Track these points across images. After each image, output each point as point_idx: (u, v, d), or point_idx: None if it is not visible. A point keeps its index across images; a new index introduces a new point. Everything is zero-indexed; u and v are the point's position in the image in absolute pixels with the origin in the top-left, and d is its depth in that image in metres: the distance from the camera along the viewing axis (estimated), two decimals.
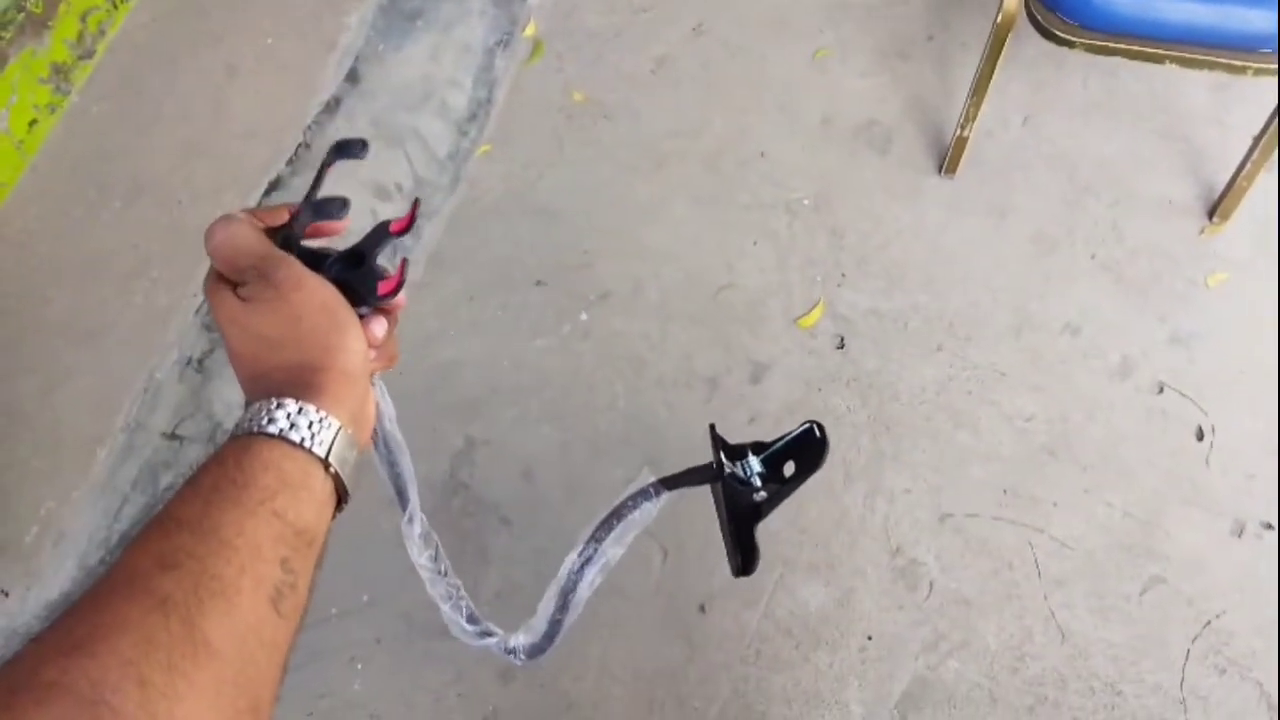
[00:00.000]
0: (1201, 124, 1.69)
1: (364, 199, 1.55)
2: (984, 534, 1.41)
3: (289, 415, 0.47)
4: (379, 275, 0.55)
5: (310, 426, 0.48)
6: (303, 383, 0.49)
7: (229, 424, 1.43)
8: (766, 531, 1.40)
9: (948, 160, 1.58)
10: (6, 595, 1.26)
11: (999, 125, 1.66)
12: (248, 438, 0.47)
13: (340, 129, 1.57)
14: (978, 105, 1.52)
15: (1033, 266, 1.57)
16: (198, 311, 1.43)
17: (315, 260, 0.55)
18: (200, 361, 1.44)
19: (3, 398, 1.36)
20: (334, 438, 0.48)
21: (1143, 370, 1.52)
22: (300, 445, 0.47)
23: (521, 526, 1.41)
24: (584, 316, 1.54)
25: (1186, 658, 1.36)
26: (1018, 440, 1.46)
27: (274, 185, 1.53)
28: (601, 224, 1.60)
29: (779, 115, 1.69)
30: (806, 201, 1.59)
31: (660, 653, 1.36)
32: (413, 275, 1.57)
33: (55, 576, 1.29)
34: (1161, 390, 1.52)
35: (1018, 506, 1.43)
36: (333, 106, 1.60)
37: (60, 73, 1.55)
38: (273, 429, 0.47)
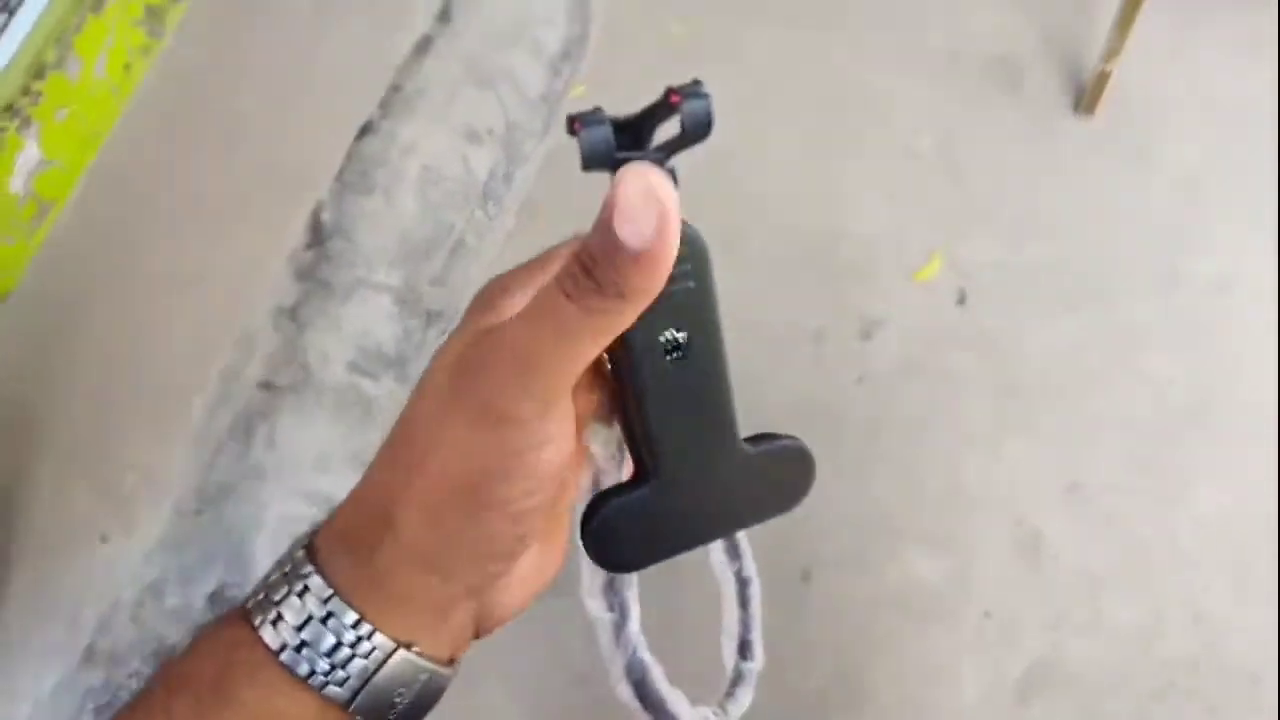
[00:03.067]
0: None
1: (454, 142, 1.49)
2: (1116, 507, 1.31)
3: (304, 611, 0.28)
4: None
5: (334, 649, 0.28)
6: (361, 538, 0.30)
7: (321, 375, 1.40)
8: (872, 499, 1.33)
9: (1086, 98, 1.44)
10: (106, 540, 1.26)
11: (1144, 60, 1.49)
12: (236, 636, 0.29)
13: (430, 70, 1.51)
14: (1123, 37, 1.37)
15: (1179, 216, 1.42)
16: (292, 258, 1.41)
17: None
18: (294, 310, 1.42)
19: (101, 343, 1.36)
20: (379, 666, 0.28)
21: None
22: (305, 682, 0.28)
23: None
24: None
25: None
26: (1158, 406, 1.34)
27: (365, 130, 1.48)
28: (700, 168, 1.50)
29: (900, 51, 1.56)
30: (927, 143, 1.47)
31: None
32: (505, 223, 1.51)
33: (152, 525, 1.29)
34: None
35: (1155, 478, 1.31)
36: (423, 46, 1.53)
37: (154, 15, 1.52)
38: (271, 637, 0.28)
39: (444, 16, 1.55)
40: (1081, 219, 1.42)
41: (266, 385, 1.39)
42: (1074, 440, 1.33)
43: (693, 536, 0.36)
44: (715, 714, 0.40)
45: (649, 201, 0.25)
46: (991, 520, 1.31)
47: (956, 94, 1.49)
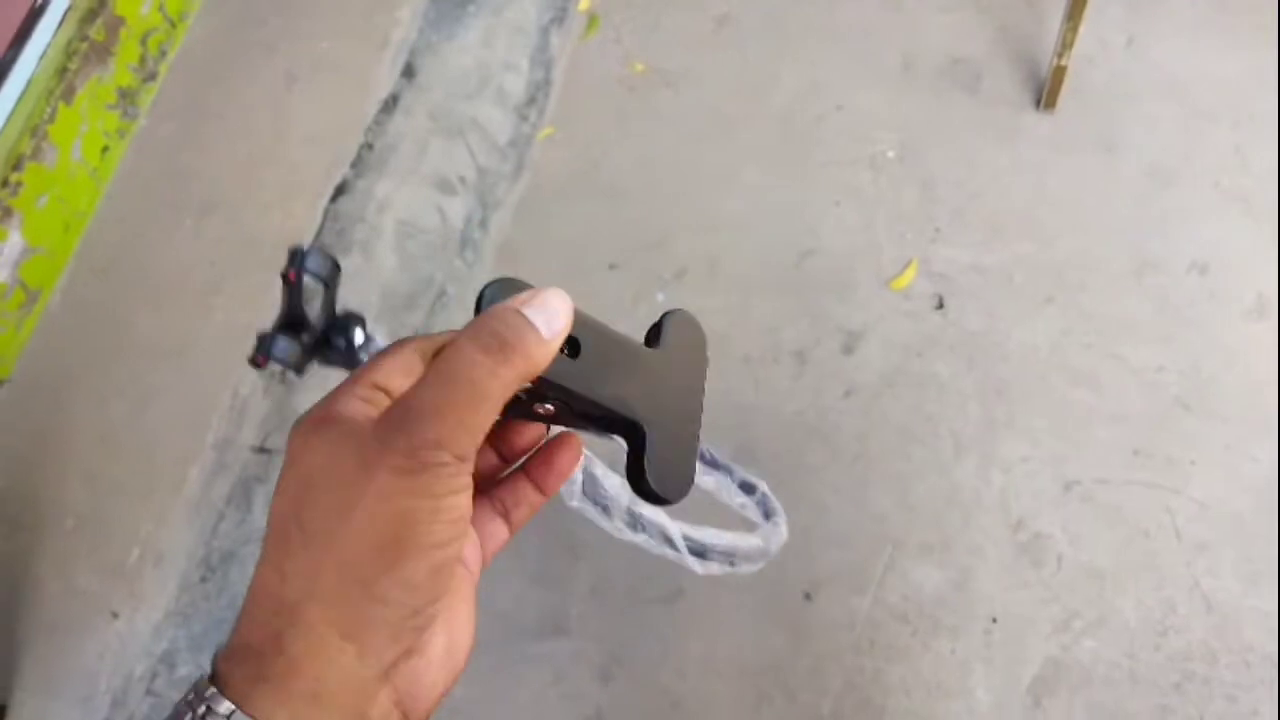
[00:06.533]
0: None
1: (428, 194, 1.51)
2: (1115, 500, 1.29)
3: None
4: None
5: None
6: (265, 634, 0.30)
7: None
8: (868, 513, 1.32)
9: (1045, 93, 1.44)
10: (116, 616, 1.28)
11: (1100, 50, 1.51)
12: None
13: (399, 125, 1.54)
14: (1074, 30, 1.38)
15: (1150, 203, 1.42)
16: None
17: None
18: (283, 374, 1.43)
19: (96, 422, 1.38)
20: None
21: None
22: None
23: None
24: (661, 297, 1.47)
25: None
26: (1147, 395, 1.33)
27: (340, 190, 1.51)
28: (672, 198, 1.52)
29: (854, 64, 1.57)
30: (891, 153, 1.48)
31: (765, 645, 1.29)
32: (484, 270, 1.53)
33: (159, 597, 1.31)
34: None
35: (1151, 468, 1.30)
36: (390, 104, 1.56)
37: (127, 97, 1.56)
38: None
39: (409, 72, 1.58)
40: (1052, 214, 1.42)
41: (261, 449, 1.41)
42: (1066, 437, 1.32)
43: (689, 433, 0.39)
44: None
45: (564, 310, 0.33)
46: (990, 525, 1.30)
47: (915, 101, 1.50)
